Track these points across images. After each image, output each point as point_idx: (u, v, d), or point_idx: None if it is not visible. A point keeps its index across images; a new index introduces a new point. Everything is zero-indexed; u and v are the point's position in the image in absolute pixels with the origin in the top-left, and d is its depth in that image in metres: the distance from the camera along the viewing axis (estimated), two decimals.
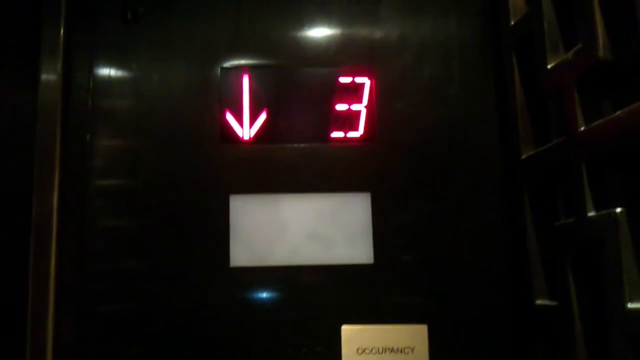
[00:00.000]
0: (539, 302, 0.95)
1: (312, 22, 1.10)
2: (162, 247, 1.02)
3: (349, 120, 1.07)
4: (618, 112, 0.71)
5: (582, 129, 0.79)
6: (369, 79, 1.08)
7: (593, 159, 0.79)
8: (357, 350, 0.99)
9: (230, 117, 1.06)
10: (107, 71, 1.07)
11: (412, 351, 0.99)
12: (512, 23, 1.02)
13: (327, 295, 1.02)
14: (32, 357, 0.95)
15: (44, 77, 1.02)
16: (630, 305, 0.69)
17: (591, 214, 0.78)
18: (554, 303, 0.90)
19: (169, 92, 1.06)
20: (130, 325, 0.99)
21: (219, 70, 1.07)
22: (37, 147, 1.00)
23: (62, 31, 1.05)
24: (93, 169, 1.03)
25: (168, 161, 1.04)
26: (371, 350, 0.99)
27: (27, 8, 1.05)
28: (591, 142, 0.78)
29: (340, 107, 1.07)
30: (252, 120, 1.06)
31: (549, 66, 0.88)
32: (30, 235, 0.98)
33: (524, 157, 0.98)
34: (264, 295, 1.02)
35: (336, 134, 1.07)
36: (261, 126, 1.06)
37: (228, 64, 1.08)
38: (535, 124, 0.98)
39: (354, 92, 1.07)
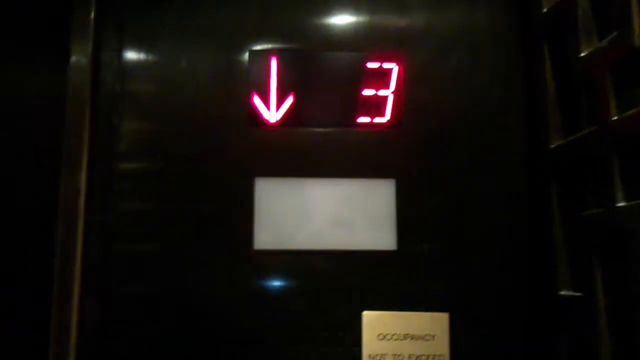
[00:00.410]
0: (563, 292, 0.94)
1: (340, 5, 1.10)
2: (187, 229, 1.03)
3: (376, 106, 1.06)
4: None
5: (615, 118, 0.78)
6: (397, 64, 1.07)
7: (625, 149, 0.78)
8: (378, 335, 0.99)
9: (257, 100, 1.06)
10: (136, 54, 1.08)
11: (433, 338, 0.98)
12: (544, 10, 1.00)
13: (350, 281, 1.03)
14: (57, 335, 0.97)
15: (74, 59, 1.03)
16: None
17: (621, 203, 0.77)
18: (578, 294, 0.89)
19: (197, 75, 1.07)
20: (153, 306, 1.01)
21: (247, 53, 1.08)
22: (66, 128, 1.01)
23: (92, 14, 1.05)
24: (121, 150, 1.05)
25: (194, 144, 1.05)
26: (392, 336, 0.99)
27: None
28: (623, 132, 0.77)
29: (367, 92, 1.07)
30: (279, 103, 1.06)
31: (582, 54, 0.86)
32: (58, 215, 0.99)
33: (553, 146, 0.97)
34: (287, 278, 1.03)
35: (362, 119, 1.06)
36: (288, 110, 1.06)
37: (256, 47, 1.08)
38: (565, 113, 0.97)
39: (381, 77, 1.07)
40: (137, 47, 1.08)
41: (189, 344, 1.00)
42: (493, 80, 1.07)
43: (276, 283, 1.02)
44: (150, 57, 1.08)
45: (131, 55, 1.07)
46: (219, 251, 1.02)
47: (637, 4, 0.73)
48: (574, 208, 0.92)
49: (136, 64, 1.07)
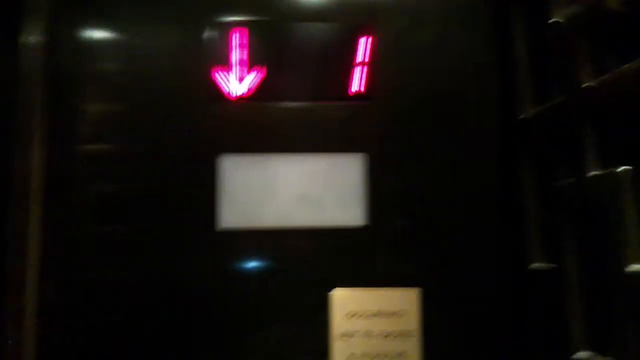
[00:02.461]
0: (534, 265, 0.93)
1: None
2: (150, 209, 0.99)
3: (345, 78, 1.04)
4: (626, 66, 0.68)
5: (590, 84, 0.77)
6: (368, 36, 1.04)
7: (598, 116, 0.77)
8: (348, 314, 0.98)
9: (220, 75, 1.02)
10: (93, 30, 1.03)
11: (403, 315, 0.97)
12: None
13: (318, 258, 1.01)
14: (13, 322, 0.93)
15: (27, 37, 0.99)
16: (631, 267, 0.67)
17: (594, 173, 0.76)
18: (550, 266, 0.89)
19: (157, 49, 1.03)
20: (115, 290, 0.97)
21: (208, 26, 1.04)
22: (19, 111, 0.97)
23: None
24: (78, 132, 1.00)
25: (156, 121, 1.01)
26: (362, 313, 0.98)
27: None
28: (597, 98, 0.76)
29: (337, 64, 1.04)
30: (243, 77, 1.03)
31: (555, 19, 0.85)
32: (12, 199, 0.95)
33: (524, 116, 0.96)
34: (253, 257, 1.00)
35: (331, 92, 1.03)
36: (253, 84, 1.03)
37: (217, 19, 1.04)
38: (536, 83, 0.96)
39: (352, 48, 1.04)
40: (94, 23, 1.03)
41: (154, 327, 0.97)
42: (465, 51, 1.05)
43: (242, 262, 1.00)
44: (108, 33, 1.03)
45: (88, 32, 1.03)
46: (183, 230, 0.99)
47: None
48: (546, 179, 0.91)
49: (93, 41, 1.03)
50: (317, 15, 1.05)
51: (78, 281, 0.97)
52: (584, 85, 0.77)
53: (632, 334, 0.67)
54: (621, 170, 0.70)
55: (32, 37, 0.99)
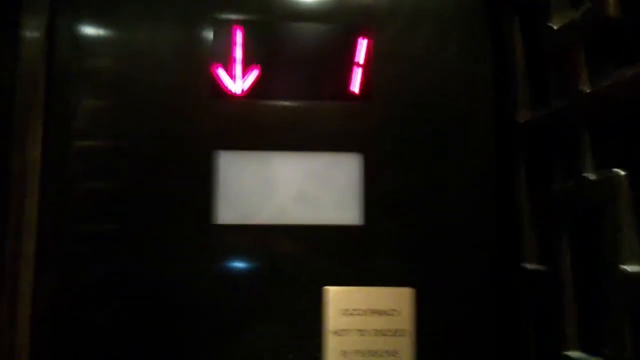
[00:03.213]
0: (529, 266, 0.94)
1: None
2: (147, 204, 1.00)
3: (344, 79, 1.05)
4: (626, 74, 0.70)
5: (587, 91, 0.78)
6: (366, 37, 1.05)
7: (596, 122, 0.78)
8: (342, 311, 0.98)
9: (221, 72, 1.03)
10: (93, 26, 1.03)
11: (397, 314, 0.98)
12: None
13: (314, 256, 1.01)
14: (9, 316, 0.93)
15: (27, 34, 0.98)
16: (627, 268, 0.69)
17: (592, 177, 0.77)
18: (544, 268, 0.90)
19: (159, 45, 1.03)
20: (110, 284, 0.98)
21: (211, 23, 1.04)
22: (18, 106, 0.96)
23: None
24: (75, 128, 1.00)
25: (155, 117, 1.02)
26: (356, 311, 0.98)
27: None
28: (595, 105, 0.77)
29: (336, 64, 1.05)
30: (244, 75, 1.03)
31: (555, 27, 0.86)
32: (10, 195, 0.94)
33: (522, 120, 0.97)
34: (249, 253, 1.01)
35: (330, 92, 1.04)
36: (253, 81, 1.04)
37: (221, 17, 1.05)
38: (534, 88, 0.97)
39: (350, 50, 1.05)
40: (95, 19, 1.03)
41: (149, 321, 0.97)
42: (463, 54, 1.07)
43: (238, 257, 1.01)
44: (108, 29, 1.04)
45: (88, 27, 1.03)
46: (180, 225, 1.00)
47: None
48: (542, 183, 0.92)
49: (94, 37, 1.03)
50: (317, 16, 1.06)
51: (75, 277, 0.97)
52: (582, 93, 0.79)
53: (627, 334, 0.68)
54: (617, 175, 0.71)
55: (33, 31, 0.98)
